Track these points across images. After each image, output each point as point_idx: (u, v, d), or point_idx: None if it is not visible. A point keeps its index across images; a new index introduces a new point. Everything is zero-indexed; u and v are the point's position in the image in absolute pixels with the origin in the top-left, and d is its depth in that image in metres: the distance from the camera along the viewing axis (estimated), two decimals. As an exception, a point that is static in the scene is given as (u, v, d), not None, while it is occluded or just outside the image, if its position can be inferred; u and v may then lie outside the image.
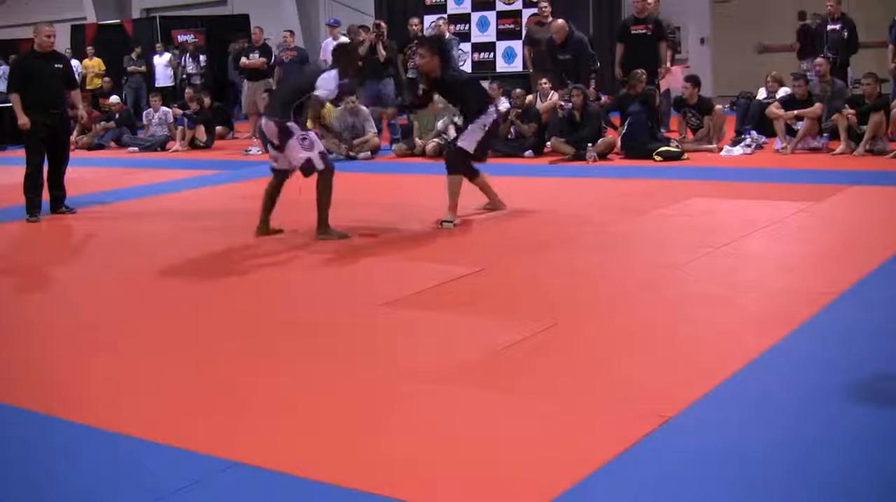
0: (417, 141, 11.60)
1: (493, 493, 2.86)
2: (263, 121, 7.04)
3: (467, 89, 7.31)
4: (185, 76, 17.02)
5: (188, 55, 17.07)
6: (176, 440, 3.31)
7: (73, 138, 14.31)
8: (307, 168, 6.73)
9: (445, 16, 15.48)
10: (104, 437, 3.41)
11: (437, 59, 7.16)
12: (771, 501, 2.74)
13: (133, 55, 17.77)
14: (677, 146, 10.31)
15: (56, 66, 8.50)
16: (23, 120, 8.27)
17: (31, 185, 8.43)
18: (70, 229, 8.31)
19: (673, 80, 11.89)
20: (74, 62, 15.79)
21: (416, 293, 5.19)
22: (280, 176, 7.04)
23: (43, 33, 8.39)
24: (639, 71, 10.74)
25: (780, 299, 4.79)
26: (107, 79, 17.72)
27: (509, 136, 11.12)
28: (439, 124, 11.40)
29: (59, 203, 8.67)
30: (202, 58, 16.96)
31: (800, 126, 10.29)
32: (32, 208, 8.42)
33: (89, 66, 17.91)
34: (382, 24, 13.29)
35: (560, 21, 11.54)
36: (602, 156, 10.40)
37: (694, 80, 10.95)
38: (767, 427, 3.24)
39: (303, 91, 6.74)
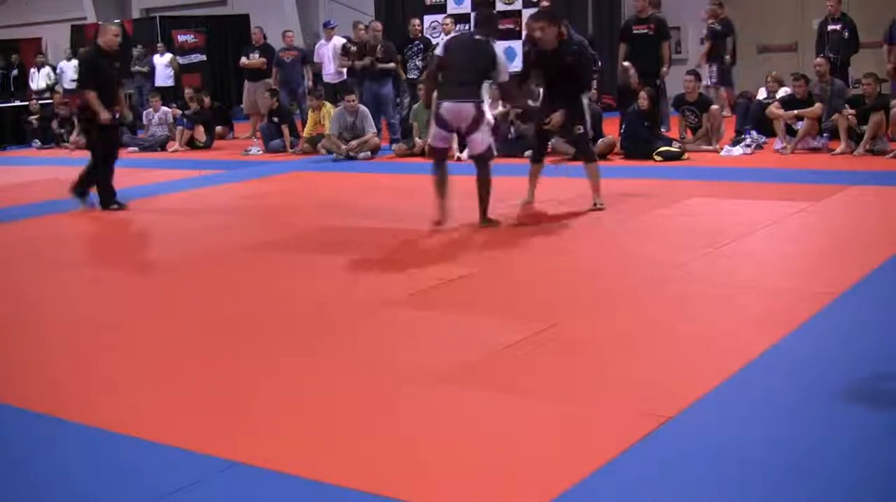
0: (417, 141, 11.59)
1: (493, 493, 2.86)
2: (454, 104, 6.67)
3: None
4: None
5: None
6: (176, 440, 3.31)
7: (72, 138, 14.40)
8: (488, 155, 6.78)
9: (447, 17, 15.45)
10: (104, 437, 3.41)
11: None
12: (771, 501, 2.74)
13: (134, 56, 17.73)
14: (678, 146, 10.30)
15: (115, 65, 8.67)
16: (105, 115, 8.35)
17: (100, 179, 8.52)
18: (69, 229, 8.30)
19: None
20: (73, 62, 15.77)
21: (416, 293, 5.19)
22: (441, 155, 6.93)
23: (110, 32, 8.54)
24: (626, 64, 10.77)
25: (780, 299, 4.79)
26: (107, 79, 17.67)
27: (509, 136, 11.12)
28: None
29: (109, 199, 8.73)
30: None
31: (800, 126, 10.28)
32: (107, 199, 8.52)
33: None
34: (378, 25, 13.32)
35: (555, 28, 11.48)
36: (602, 156, 10.36)
37: (696, 75, 10.94)
38: (767, 427, 3.24)
39: (486, 72, 6.72)
